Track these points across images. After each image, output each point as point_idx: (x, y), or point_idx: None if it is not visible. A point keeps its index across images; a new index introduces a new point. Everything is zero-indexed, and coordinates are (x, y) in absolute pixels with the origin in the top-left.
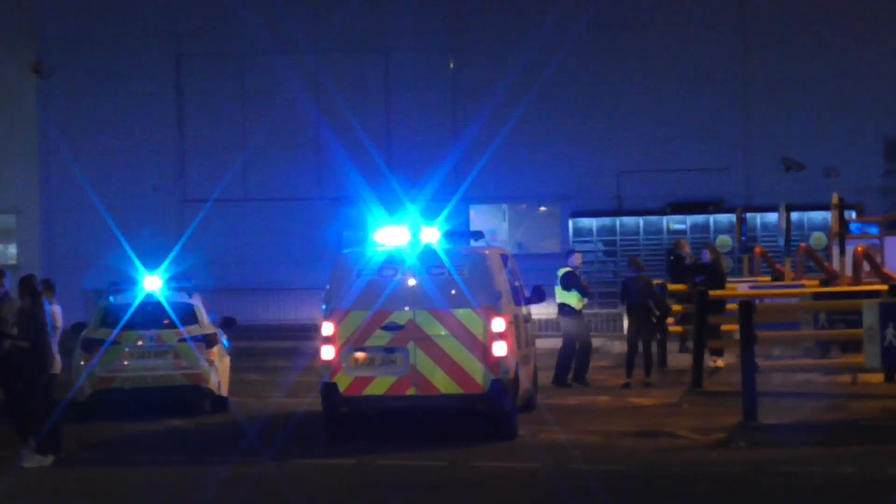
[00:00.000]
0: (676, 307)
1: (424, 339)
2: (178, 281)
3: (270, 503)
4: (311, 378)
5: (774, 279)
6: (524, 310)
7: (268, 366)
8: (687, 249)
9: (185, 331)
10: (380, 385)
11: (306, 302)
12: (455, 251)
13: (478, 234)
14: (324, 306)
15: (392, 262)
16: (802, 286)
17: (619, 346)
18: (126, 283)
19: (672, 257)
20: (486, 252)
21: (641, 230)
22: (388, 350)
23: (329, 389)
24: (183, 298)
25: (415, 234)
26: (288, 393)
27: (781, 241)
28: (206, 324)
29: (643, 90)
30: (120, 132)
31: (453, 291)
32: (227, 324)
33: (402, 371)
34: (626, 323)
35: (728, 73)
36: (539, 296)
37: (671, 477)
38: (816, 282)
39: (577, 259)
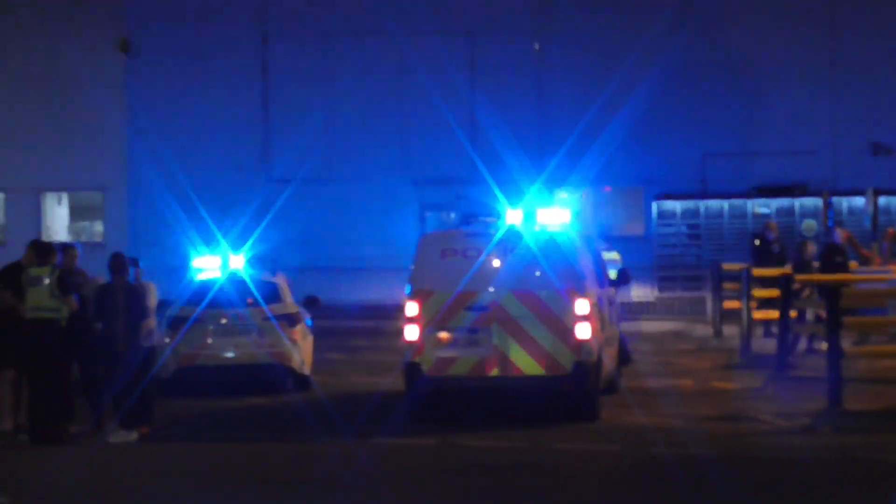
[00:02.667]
0: (761, 292)
1: (508, 320)
2: (261, 260)
3: (353, 481)
4: (394, 358)
5: (861, 264)
6: (609, 292)
7: (350, 345)
8: (775, 233)
9: (268, 309)
10: (463, 365)
11: (388, 282)
12: (539, 233)
13: (563, 217)
14: (408, 287)
15: (477, 243)
16: (889, 271)
17: (701, 330)
18: (211, 261)
19: (757, 241)
20: (570, 235)
21: (726, 213)
22: (472, 331)
23: (412, 369)
24: (267, 277)
25: (501, 216)
26: (370, 372)
27: (868, 226)
28: (289, 303)
29: (730, 72)
30: (205, 111)
31: (537, 273)
32: (310, 303)
33: (485, 352)
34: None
35: (816, 56)
36: (625, 279)
37: (753, 462)
38: None
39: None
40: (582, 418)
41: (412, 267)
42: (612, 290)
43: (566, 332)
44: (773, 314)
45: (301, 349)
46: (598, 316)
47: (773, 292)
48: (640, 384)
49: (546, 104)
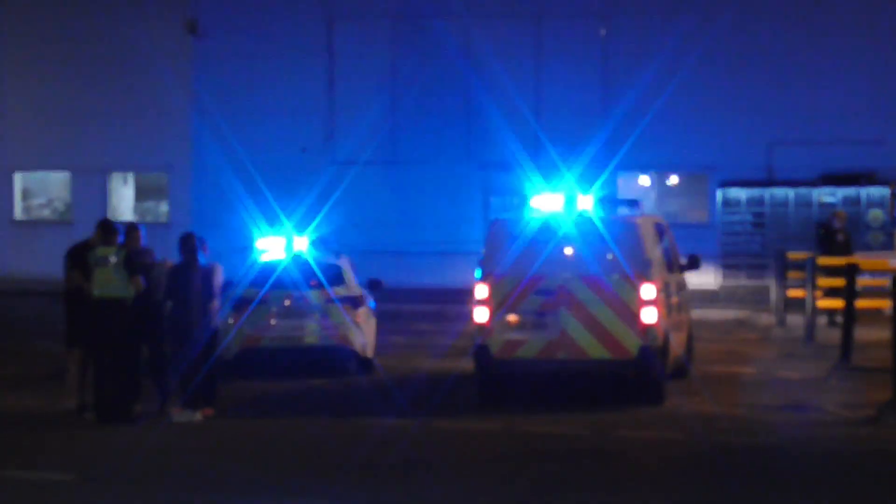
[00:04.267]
0: (825, 281)
1: (575, 304)
2: (324, 243)
3: (417, 466)
4: (458, 342)
5: None
6: (678, 277)
7: (413, 328)
8: (842, 223)
9: (331, 292)
10: (531, 348)
11: (451, 266)
12: (607, 219)
13: (633, 203)
14: (478, 270)
15: (546, 228)
16: None
17: (765, 319)
18: (275, 243)
19: (822, 230)
20: (638, 220)
21: (791, 202)
22: (540, 314)
23: (481, 351)
24: (330, 260)
25: (569, 202)
26: (434, 356)
27: None
28: (352, 285)
29: (797, 59)
30: (270, 93)
31: (605, 258)
32: (373, 286)
33: (552, 335)
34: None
35: (886, 42)
36: (695, 264)
37: (817, 453)
38: None
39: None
40: (648, 402)
41: (483, 251)
42: (681, 276)
43: (632, 317)
44: (838, 303)
45: (364, 332)
46: (664, 301)
47: (838, 281)
48: (705, 372)
49: (611, 89)
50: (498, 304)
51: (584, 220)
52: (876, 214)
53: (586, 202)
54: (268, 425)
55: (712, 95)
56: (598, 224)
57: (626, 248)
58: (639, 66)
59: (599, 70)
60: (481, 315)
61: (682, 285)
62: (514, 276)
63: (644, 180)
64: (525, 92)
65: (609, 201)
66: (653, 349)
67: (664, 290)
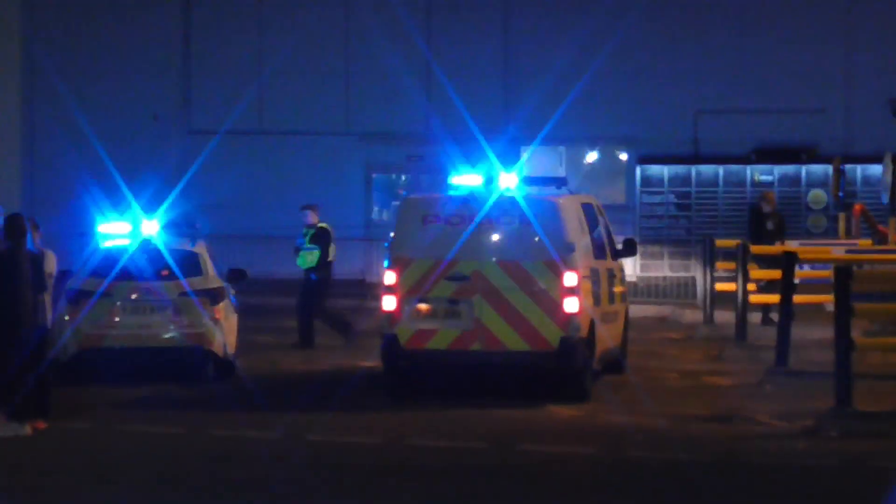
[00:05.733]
0: (758, 272)
1: (491, 291)
2: (179, 226)
3: (281, 485)
4: (331, 341)
5: (876, 242)
6: (610, 264)
7: (281, 326)
8: (772, 206)
9: (186, 283)
10: (442, 339)
11: None
12: (527, 199)
13: (560, 181)
14: (386, 255)
15: (460, 209)
16: None
17: (691, 315)
18: (120, 225)
19: (753, 214)
20: (561, 200)
21: (721, 180)
22: (453, 302)
23: (389, 342)
24: (186, 246)
25: (489, 180)
26: (305, 358)
27: (886, 198)
28: (211, 276)
29: (727, 17)
30: (115, 51)
31: (523, 242)
32: (235, 277)
33: (466, 325)
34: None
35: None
36: (631, 249)
37: (747, 469)
38: None
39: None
40: (569, 398)
41: (392, 233)
42: (615, 263)
43: (553, 305)
44: (773, 298)
45: (224, 330)
46: (590, 289)
47: (774, 273)
48: (619, 378)
49: (514, 51)
50: (407, 291)
51: (504, 200)
52: (817, 195)
53: (509, 180)
54: (112, 439)
55: (631, 58)
56: (521, 204)
57: (547, 231)
58: (545, 25)
59: (500, 30)
60: (389, 303)
61: (615, 273)
62: (426, 260)
63: (552, 154)
64: (414, 53)
65: (534, 179)
66: (575, 341)
67: (591, 276)
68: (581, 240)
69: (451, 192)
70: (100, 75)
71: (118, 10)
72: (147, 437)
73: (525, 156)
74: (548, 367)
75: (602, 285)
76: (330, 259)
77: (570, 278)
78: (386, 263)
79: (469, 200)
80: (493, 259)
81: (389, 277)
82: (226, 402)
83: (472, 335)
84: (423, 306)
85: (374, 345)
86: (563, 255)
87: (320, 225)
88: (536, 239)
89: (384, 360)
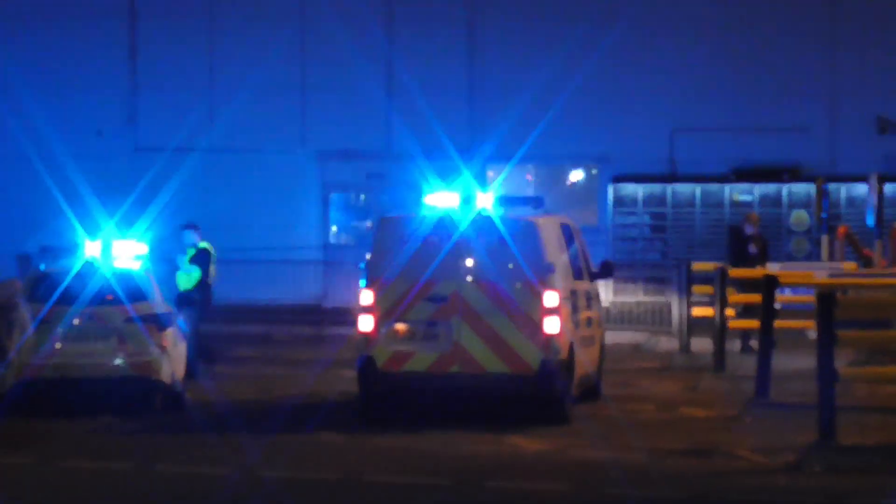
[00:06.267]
0: (737, 297)
1: (470, 313)
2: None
3: None
4: (286, 371)
5: (861, 266)
6: (588, 286)
7: (233, 355)
8: (755, 228)
9: (132, 309)
10: (420, 361)
11: (282, 277)
12: (505, 219)
13: (537, 200)
14: (363, 274)
15: (440, 229)
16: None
17: (666, 343)
18: (60, 247)
19: (733, 237)
20: (539, 221)
21: (698, 201)
22: (431, 324)
23: (366, 364)
24: (132, 269)
25: (466, 200)
26: (259, 389)
27: (871, 220)
28: (159, 301)
29: (706, 31)
30: (58, 62)
31: (503, 263)
32: (185, 301)
33: (444, 347)
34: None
35: (812, 15)
36: (608, 271)
37: None
38: None
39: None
40: (549, 422)
41: (368, 253)
42: (592, 285)
43: (533, 327)
44: (753, 324)
45: (172, 358)
46: (569, 311)
47: (754, 298)
48: (592, 409)
49: (480, 66)
50: (385, 312)
51: (482, 221)
52: (800, 217)
53: (485, 200)
54: (52, 476)
55: (605, 73)
56: (494, 225)
57: (526, 252)
58: (514, 37)
59: (466, 42)
60: (366, 324)
61: (592, 295)
62: (404, 280)
63: (521, 173)
64: (374, 67)
65: (510, 199)
66: (555, 363)
67: (570, 298)
68: (560, 261)
69: (428, 212)
70: (41, 89)
71: (60, 21)
72: (90, 473)
73: (502, 175)
74: (527, 390)
75: (581, 308)
76: (209, 280)
77: (550, 299)
78: (363, 283)
79: (447, 220)
80: (472, 280)
81: (366, 298)
82: (174, 436)
83: (451, 357)
84: (400, 327)
85: (332, 375)
86: (543, 276)
87: (201, 245)
88: (516, 259)
89: (360, 382)
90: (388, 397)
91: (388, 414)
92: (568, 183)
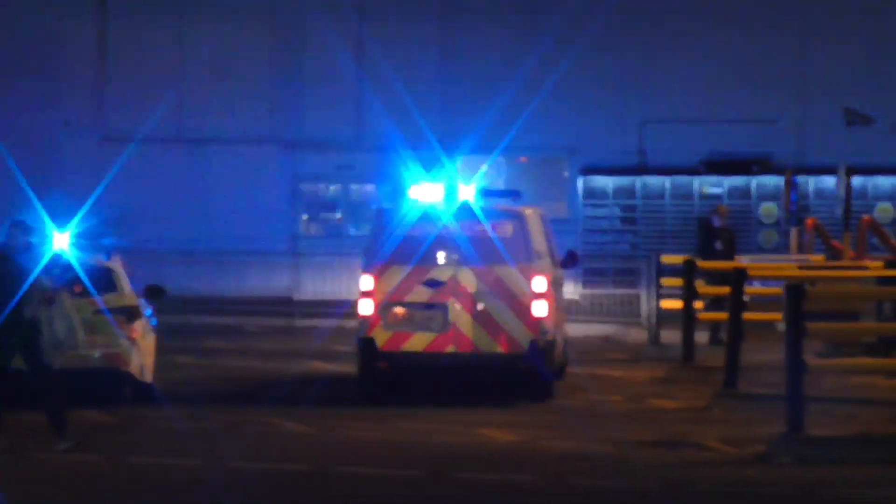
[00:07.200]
0: (706, 289)
1: (465, 296)
2: (92, 238)
3: None
4: (256, 363)
5: (830, 258)
6: (559, 273)
7: (203, 346)
8: (723, 220)
9: (100, 301)
10: (418, 341)
11: (251, 269)
12: (496, 209)
13: (515, 194)
14: (363, 260)
15: (433, 218)
16: (865, 268)
17: (636, 335)
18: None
19: (703, 229)
20: (527, 211)
21: (668, 193)
22: (428, 306)
23: (366, 344)
24: (99, 261)
25: (452, 192)
26: (228, 380)
27: (839, 212)
28: (127, 293)
29: (675, 24)
30: (23, 50)
31: (495, 249)
32: (153, 293)
33: (441, 328)
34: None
35: (781, 7)
36: (573, 260)
37: (696, 498)
38: (881, 263)
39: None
40: (536, 398)
41: (368, 240)
42: (560, 272)
43: (523, 310)
44: (722, 316)
45: (141, 350)
46: (553, 295)
47: (723, 290)
48: (561, 401)
49: (451, 57)
50: (384, 296)
51: (476, 210)
52: (769, 209)
53: (467, 192)
54: (20, 467)
55: (574, 64)
56: (486, 214)
57: (516, 239)
58: (484, 26)
59: (436, 32)
60: (366, 307)
61: (560, 282)
62: (402, 266)
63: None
64: (344, 57)
65: (490, 192)
66: (543, 343)
67: (553, 283)
68: (544, 249)
69: (416, 203)
70: (4, 77)
71: (25, 8)
72: (58, 465)
73: (483, 167)
74: (517, 368)
75: (558, 293)
76: None
77: (539, 284)
78: (363, 269)
79: (439, 211)
80: (467, 265)
81: (367, 283)
82: (143, 427)
83: (447, 338)
84: (399, 310)
85: (303, 366)
86: (533, 262)
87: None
88: (506, 247)
89: (360, 363)
90: (384, 377)
91: (383, 393)
92: (537, 174)
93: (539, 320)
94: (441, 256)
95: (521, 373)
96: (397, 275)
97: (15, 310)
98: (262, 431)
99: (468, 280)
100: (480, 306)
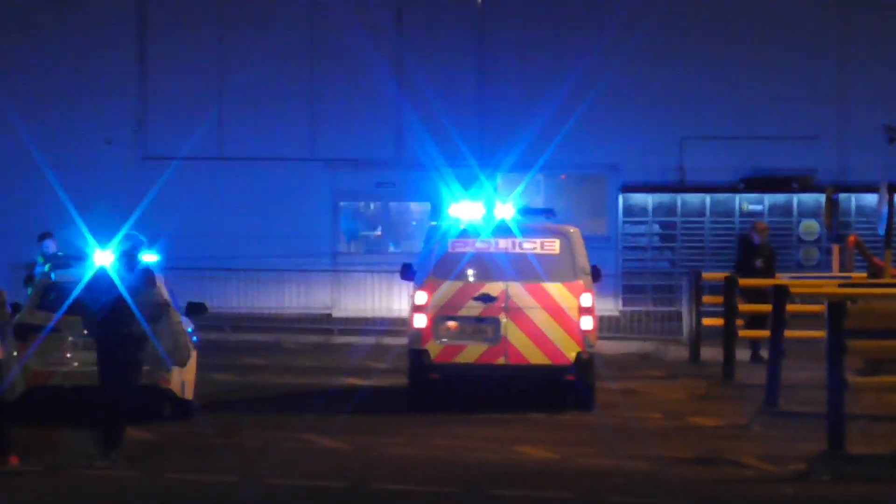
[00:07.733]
0: (747, 306)
1: (515, 310)
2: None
3: None
4: (294, 380)
5: (871, 276)
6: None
7: (242, 364)
8: (763, 238)
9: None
10: (470, 353)
11: (292, 286)
12: (544, 227)
13: (549, 212)
14: (417, 276)
15: (483, 235)
16: None
17: (675, 352)
18: (70, 256)
19: (742, 246)
20: (572, 229)
21: (708, 210)
22: (480, 320)
23: (419, 356)
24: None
25: (491, 210)
26: (265, 397)
27: (881, 229)
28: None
29: (715, 41)
30: (66, 69)
31: (544, 266)
32: (195, 310)
33: (492, 341)
34: None
35: (821, 23)
36: (597, 275)
37: None
38: None
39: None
40: (580, 408)
41: (420, 256)
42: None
43: (571, 324)
44: (763, 334)
45: (182, 368)
46: (596, 310)
47: (762, 307)
48: (599, 419)
49: (490, 74)
50: (437, 310)
51: (518, 228)
52: (809, 226)
53: (506, 210)
54: (61, 482)
55: (614, 82)
56: (534, 232)
57: (564, 256)
58: (523, 45)
59: (475, 49)
60: (419, 321)
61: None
62: (455, 282)
63: (530, 182)
64: (383, 75)
65: (527, 210)
66: (588, 356)
67: (595, 299)
68: (588, 265)
69: (464, 220)
70: (49, 97)
71: (68, 28)
72: (97, 480)
73: (521, 186)
74: (565, 380)
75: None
76: None
77: (586, 299)
78: (416, 284)
79: (488, 228)
80: (518, 281)
81: (420, 297)
82: (181, 444)
83: (498, 350)
84: (452, 324)
85: (341, 383)
86: (580, 278)
87: (62, 255)
88: (555, 263)
89: (412, 374)
90: (435, 387)
91: (432, 403)
92: (577, 192)
93: (586, 333)
94: (493, 272)
95: (567, 384)
96: (450, 290)
97: (125, 325)
98: (297, 448)
99: (519, 295)
100: (530, 320)
